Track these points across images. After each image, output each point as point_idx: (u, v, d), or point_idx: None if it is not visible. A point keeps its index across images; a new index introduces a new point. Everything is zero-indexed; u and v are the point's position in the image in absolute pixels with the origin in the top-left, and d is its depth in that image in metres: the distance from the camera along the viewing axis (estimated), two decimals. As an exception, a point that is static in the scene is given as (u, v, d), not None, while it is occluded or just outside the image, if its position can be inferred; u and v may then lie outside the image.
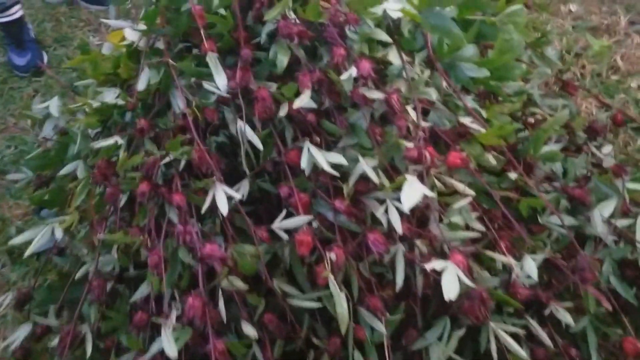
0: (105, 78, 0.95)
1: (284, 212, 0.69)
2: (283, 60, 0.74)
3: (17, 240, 0.80)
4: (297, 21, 0.75)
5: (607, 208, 0.75)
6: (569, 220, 0.74)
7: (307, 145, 0.69)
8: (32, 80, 1.40)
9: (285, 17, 0.75)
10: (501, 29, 0.91)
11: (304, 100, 0.67)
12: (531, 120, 0.88)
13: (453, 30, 0.71)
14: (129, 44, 0.90)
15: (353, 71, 0.68)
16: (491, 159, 0.76)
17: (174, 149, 0.69)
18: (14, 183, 1.01)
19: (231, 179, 0.76)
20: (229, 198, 0.66)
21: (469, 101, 0.76)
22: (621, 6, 1.30)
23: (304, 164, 0.68)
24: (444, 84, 0.77)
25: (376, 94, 0.68)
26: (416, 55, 0.80)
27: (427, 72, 0.76)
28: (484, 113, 0.80)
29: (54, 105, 1.04)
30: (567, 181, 0.82)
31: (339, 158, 0.67)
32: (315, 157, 0.67)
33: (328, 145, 0.74)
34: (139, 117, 0.81)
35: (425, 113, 0.75)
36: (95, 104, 0.83)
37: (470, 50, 0.81)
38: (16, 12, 1.44)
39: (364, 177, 0.68)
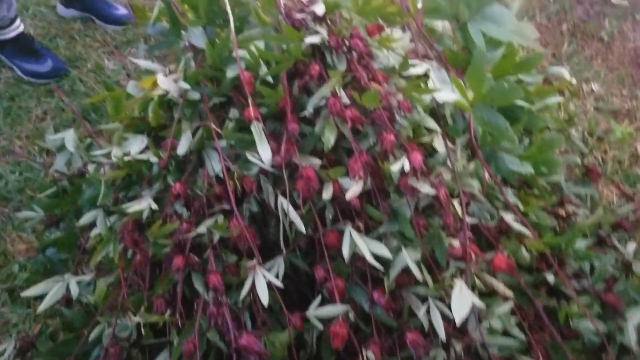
0: (130, 122, 0.94)
1: (318, 298, 0.68)
2: (330, 139, 0.73)
3: (29, 292, 0.77)
4: (347, 100, 0.74)
5: (637, 316, 0.76)
6: (601, 327, 0.74)
7: (350, 230, 0.68)
8: (41, 101, 1.37)
9: (335, 94, 0.74)
10: (537, 116, 0.93)
11: (356, 191, 0.66)
12: (562, 212, 0.88)
13: (503, 127, 0.71)
14: (162, 94, 0.88)
15: (405, 163, 0.67)
16: (525, 254, 0.76)
17: (220, 229, 0.67)
18: (24, 220, 0.98)
19: (262, 252, 0.75)
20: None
21: (510, 196, 0.76)
22: (641, 90, 1.33)
23: (345, 249, 0.67)
24: (486, 174, 0.77)
25: (425, 187, 0.67)
26: (458, 140, 0.80)
27: (472, 165, 0.76)
28: (520, 204, 0.81)
29: (69, 139, 1.01)
30: (595, 280, 0.82)
31: (382, 249, 0.66)
32: (358, 244, 0.66)
33: (368, 228, 0.73)
34: (173, 180, 0.79)
35: (466, 204, 0.75)
36: (126, 158, 0.81)
37: (512, 137, 0.81)
38: (20, 24, 1.42)
39: (405, 270, 0.67)
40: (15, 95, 1.39)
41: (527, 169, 0.77)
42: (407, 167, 0.67)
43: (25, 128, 1.29)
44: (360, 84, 0.78)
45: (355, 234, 0.68)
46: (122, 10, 1.61)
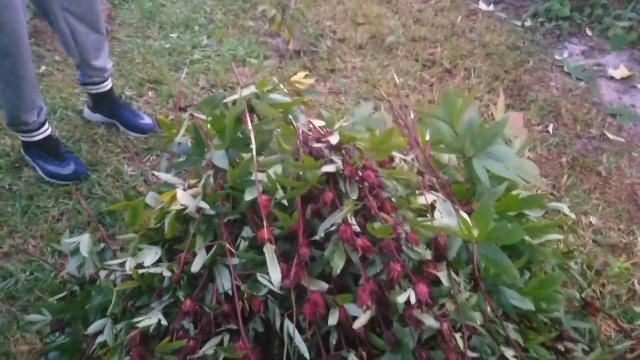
0: (145, 232, 0.98)
1: None
2: (338, 264, 0.77)
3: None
4: (358, 228, 0.79)
5: None
6: None
7: (352, 358, 0.70)
8: (58, 202, 1.42)
9: (347, 221, 0.79)
10: (538, 250, 0.97)
11: (364, 321, 0.68)
12: (561, 347, 0.89)
13: (507, 266, 0.75)
14: (180, 208, 0.93)
15: (411, 295, 0.70)
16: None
17: (226, 351, 0.69)
18: (30, 323, 0.99)
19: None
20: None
21: (511, 331, 0.78)
22: (638, 226, 1.38)
23: (349, 380, 0.68)
24: (488, 308, 0.79)
25: (430, 320, 0.70)
26: (461, 272, 0.84)
27: (474, 297, 0.79)
28: (520, 339, 0.82)
29: (84, 243, 1.05)
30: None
31: (385, 381, 0.68)
32: (362, 375, 0.68)
33: (370, 356, 0.74)
34: (183, 294, 0.82)
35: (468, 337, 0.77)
36: (141, 271, 0.84)
37: (514, 276, 0.84)
38: (47, 128, 1.51)
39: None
40: (34, 194, 1.45)
41: (527, 304, 0.80)
42: (412, 299, 0.70)
43: (40, 228, 1.34)
44: (370, 212, 0.83)
45: (358, 364, 0.69)
46: (147, 120, 1.71)
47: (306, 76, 1.36)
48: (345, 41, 2.25)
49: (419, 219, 0.84)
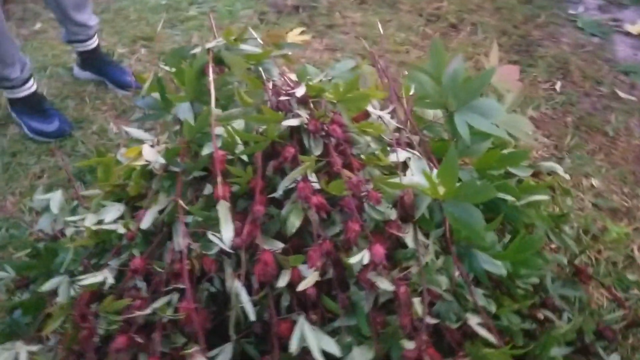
0: (112, 189, 0.94)
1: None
2: (294, 223, 0.73)
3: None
4: (318, 186, 0.74)
5: None
6: None
7: (302, 322, 0.66)
8: (41, 159, 1.40)
9: (306, 179, 0.74)
10: (522, 212, 0.91)
11: (310, 283, 0.64)
12: (540, 315, 0.84)
13: (476, 227, 0.69)
14: (144, 164, 0.89)
15: (365, 256, 0.66)
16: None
17: (162, 311, 0.66)
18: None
19: (217, 335, 0.72)
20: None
21: (480, 297, 0.73)
22: (643, 189, 1.31)
23: (294, 343, 0.65)
24: (457, 272, 0.75)
25: (385, 284, 0.65)
26: (432, 233, 0.79)
27: (441, 259, 0.74)
28: (493, 306, 0.77)
29: (55, 200, 1.02)
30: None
31: (331, 346, 0.64)
32: (307, 338, 0.64)
33: (324, 320, 0.70)
34: (135, 254, 0.78)
35: (431, 303, 0.72)
36: (95, 227, 0.81)
37: (489, 238, 0.79)
38: (33, 84, 1.48)
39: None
40: (17, 151, 1.43)
41: (500, 269, 0.74)
42: (366, 260, 0.65)
43: (20, 185, 1.32)
44: (334, 170, 0.78)
45: (307, 327, 0.65)
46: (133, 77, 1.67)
47: (302, 32, 1.29)
48: (347, -5, 2.16)
49: (389, 177, 0.79)
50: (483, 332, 0.68)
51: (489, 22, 1.96)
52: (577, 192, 1.27)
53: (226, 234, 0.72)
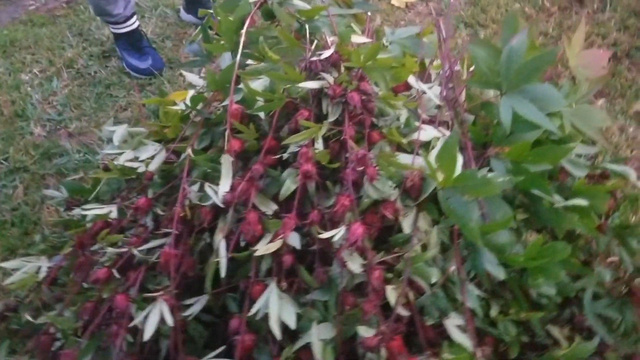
0: (158, 129, 0.99)
1: (219, 350, 0.66)
2: (290, 188, 0.72)
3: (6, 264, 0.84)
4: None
5: None
6: None
7: (272, 288, 0.66)
8: (130, 93, 1.51)
9: (309, 144, 0.72)
10: (563, 216, 0.82)
11: (269, 249, 0.63)
12: (555, 331, 0.76)
13: (468, 222, 0.63)
14: (183, 109, 0.92)
15: (340, 233, 0.63)
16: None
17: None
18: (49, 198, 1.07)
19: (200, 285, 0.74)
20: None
21: (473, 299, 0.67)
22: None
23: (256, 306, 0.65)
24: (452, 267, 0.69)
25: (355, 265, 0.62)
26: (441, 222, 0.73)
27: (434, 250, 0.69)
28: (495, 310, 0.71)
29: (118, 133, 1.10)
30: None
31: (291, 318, 0.63)
32: (270, 307, 0.63)
33: (299, 290, 0.69)
34: (149, 195, 0.82)
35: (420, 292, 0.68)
36: (119, 164, 0.86)
37: (503, 237, 0.72)
38: (135, 21, 1.57)
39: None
40: (111, 83, 1.55)
41: (499, 273, 0.68)
42: (337, 238, 0.63)
43: (106, 115, 1.43)
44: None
45: (274, 294, 0.65)
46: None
47: None
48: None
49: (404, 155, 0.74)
50: (457, 335, 0.63)
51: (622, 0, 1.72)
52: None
53: (222, 188, 0.73)
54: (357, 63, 0.76)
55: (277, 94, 0.79)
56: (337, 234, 0.63)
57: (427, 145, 0.78)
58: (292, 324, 0.62)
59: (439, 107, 0.85)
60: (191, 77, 1.04)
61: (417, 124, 0.80)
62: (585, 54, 0.98)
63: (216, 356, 0.65)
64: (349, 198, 0.67)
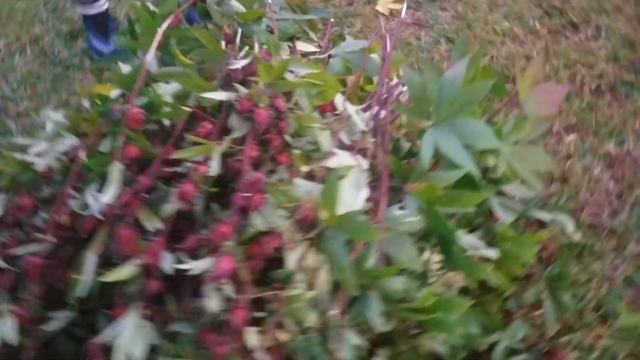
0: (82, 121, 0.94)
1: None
2: (173, 207, 0.67)
3: None
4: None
5: None
6: None
7: (133, 314, 0.61)
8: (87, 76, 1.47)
9: (203, 162, 0.68)
10: (473, 264, 0.76)
11: (121, 275, 0.59)
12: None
13: (342, 266, 0.58)
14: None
15: (204, 264, 0.59)
16: None
17: None
18: None
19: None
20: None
21: (347, 347, 0.62)
22: None
23: (106, 334, 0.60)
24: (333, 311, 0.64)
25: (213, 302, 0.58)
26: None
27: (317, 291, 0.64)
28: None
29: (52, 120, 1.05)
30: None
31: (137, 348, 0.59)
32: (120, 334, 0.59)
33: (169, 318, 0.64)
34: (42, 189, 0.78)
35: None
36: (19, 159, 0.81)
37: (398, 282, 0.67)
38: (104, 3, 1.53)
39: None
40: (71, 65, 1.51)
41: (379, 323, 0.62)
42: (199, 270, 0.58)
43: (58, 97, 1.40)
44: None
45: (132, 320, 0.60)
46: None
47: (397, 1, 1.19)
48: (467, -32, 1.94)
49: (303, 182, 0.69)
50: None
51: (619, 28, 1.65)
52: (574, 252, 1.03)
53: (104, 197, 0.68)
54: (265, 79, 0.71)
55: (183, 103, 0.74)
56: (199, 265, 0.58)
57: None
58: (137, 355, 0.58)
59: (363, 132, 0.80)
60: (125, 68, 0.99)
61: (333, 149, 0.75)
62: (540, 89, 0.91)
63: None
64: (230, 226, 0.63)
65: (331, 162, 0.72)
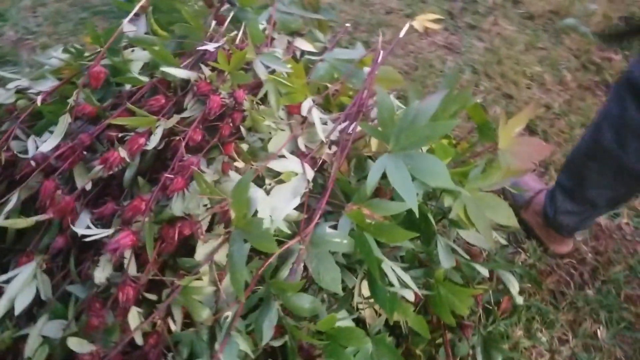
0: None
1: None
2: (98, 171, 0.67)
3: None
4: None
5: None
6: None
7: (33, 264, 0.61)
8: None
9: (145, 135, 0.67)
10: (395, 302, 0.74)
11: (14, 224, 0.59)
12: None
13: (238, 279, 0.57)
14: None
15: (105, 234, 0.58)
16: None
17: None
18: None
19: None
20: None
21: (231, 350, 0.61)
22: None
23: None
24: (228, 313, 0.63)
25: (99, 274, 0.58)
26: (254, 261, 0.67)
27: (208, 289, 0.63)
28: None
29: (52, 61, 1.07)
30: None
31: (23, 300, 0.58)
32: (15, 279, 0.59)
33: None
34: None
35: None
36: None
37: (305, 300, 0.65)
38: None
39: None
40: (100, 12, 1.53)
41: (267, 336, 0.61)
42: (97, 237, 0.58)
43: (76, 41, 1.42)
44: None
45: (30, 270, 0.61)
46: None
47: (435, 20, 1.18)
48: (517, 4, 1.89)
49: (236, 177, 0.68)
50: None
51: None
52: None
53: (44, 145, 0.69)
54: (224, 66, 0.70)
55: (150, 73, 0.74)
56: (100, 233, 0.58)
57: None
58: (20, 303, 0.58)
59: (322, 142, 0.78)
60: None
61: (282, 152, 0.74)
62: (523, 140, 0.88)
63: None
64: (145, 202, 0.62)
65: (275, 164, 0.71)
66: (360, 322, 0.79)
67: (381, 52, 0.91)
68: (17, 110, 0.81)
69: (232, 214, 0.59)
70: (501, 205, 0.81)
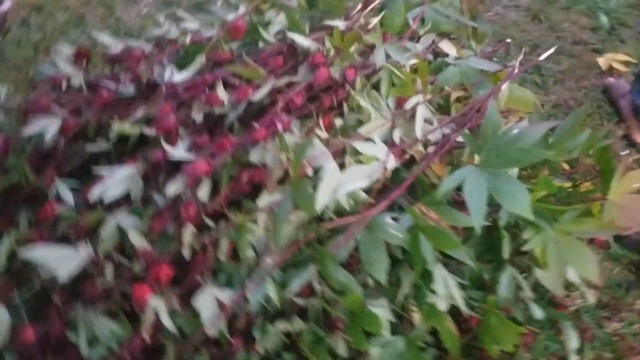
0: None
1: None
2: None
3: None
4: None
5: None
6: None
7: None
8: None
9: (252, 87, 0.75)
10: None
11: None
12: None
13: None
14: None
15: (186, 155, 0.67)
16: None
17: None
18: None
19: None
20: None
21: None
22: None
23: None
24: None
25: (171, 188, 0.67)
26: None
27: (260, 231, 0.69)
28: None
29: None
30: None
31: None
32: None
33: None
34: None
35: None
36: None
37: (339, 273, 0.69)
38: None
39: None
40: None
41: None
42: (177, 157, 0.67)
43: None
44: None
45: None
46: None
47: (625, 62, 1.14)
48: None
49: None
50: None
51: None
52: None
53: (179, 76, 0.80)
54: (337, 42, 0.75)
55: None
56: (181, 155, 0.67)
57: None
58: (110, 194, 0.69)
59: (416, 140, 0.79)
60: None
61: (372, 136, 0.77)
62: (635, 198, 0.80)
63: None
64: (230, 143, 0.70)
65: (359, 145, 0.74)
66: (408, 322, 0.79)
67: (516, 69, 0.88)
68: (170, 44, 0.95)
69: (291, 172, 0.64)
70: (587, 257, 0.75)
